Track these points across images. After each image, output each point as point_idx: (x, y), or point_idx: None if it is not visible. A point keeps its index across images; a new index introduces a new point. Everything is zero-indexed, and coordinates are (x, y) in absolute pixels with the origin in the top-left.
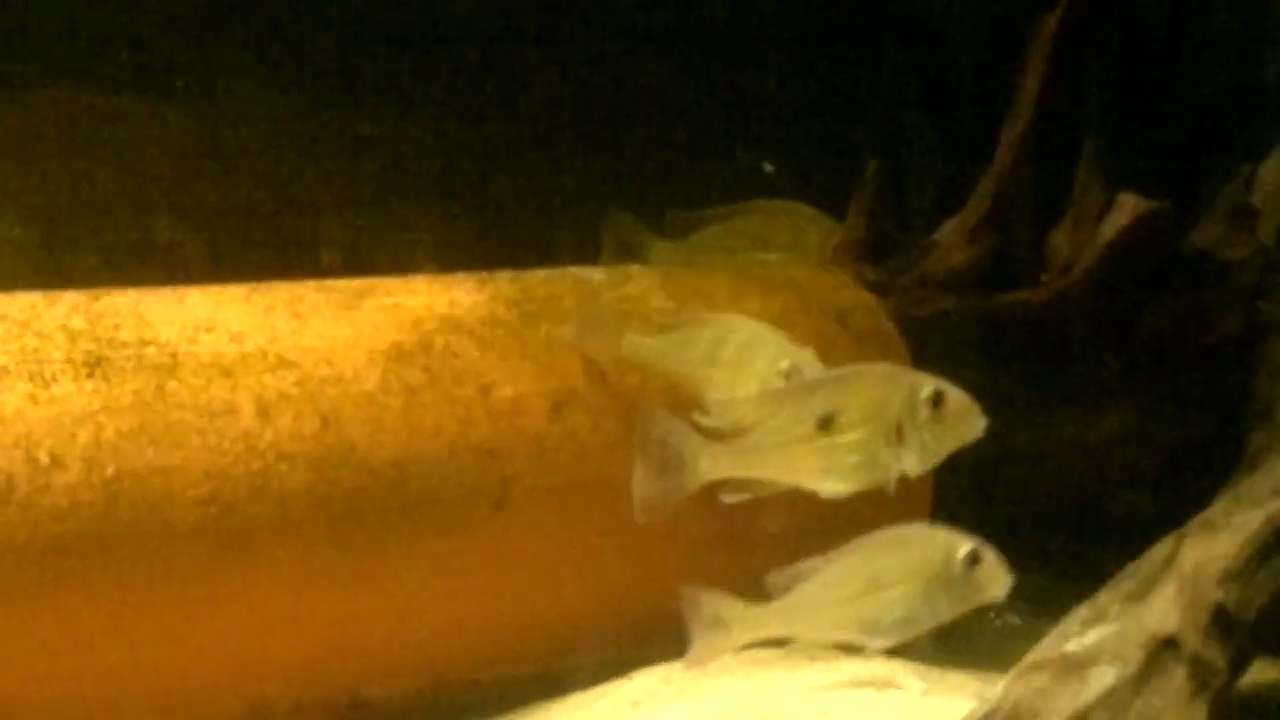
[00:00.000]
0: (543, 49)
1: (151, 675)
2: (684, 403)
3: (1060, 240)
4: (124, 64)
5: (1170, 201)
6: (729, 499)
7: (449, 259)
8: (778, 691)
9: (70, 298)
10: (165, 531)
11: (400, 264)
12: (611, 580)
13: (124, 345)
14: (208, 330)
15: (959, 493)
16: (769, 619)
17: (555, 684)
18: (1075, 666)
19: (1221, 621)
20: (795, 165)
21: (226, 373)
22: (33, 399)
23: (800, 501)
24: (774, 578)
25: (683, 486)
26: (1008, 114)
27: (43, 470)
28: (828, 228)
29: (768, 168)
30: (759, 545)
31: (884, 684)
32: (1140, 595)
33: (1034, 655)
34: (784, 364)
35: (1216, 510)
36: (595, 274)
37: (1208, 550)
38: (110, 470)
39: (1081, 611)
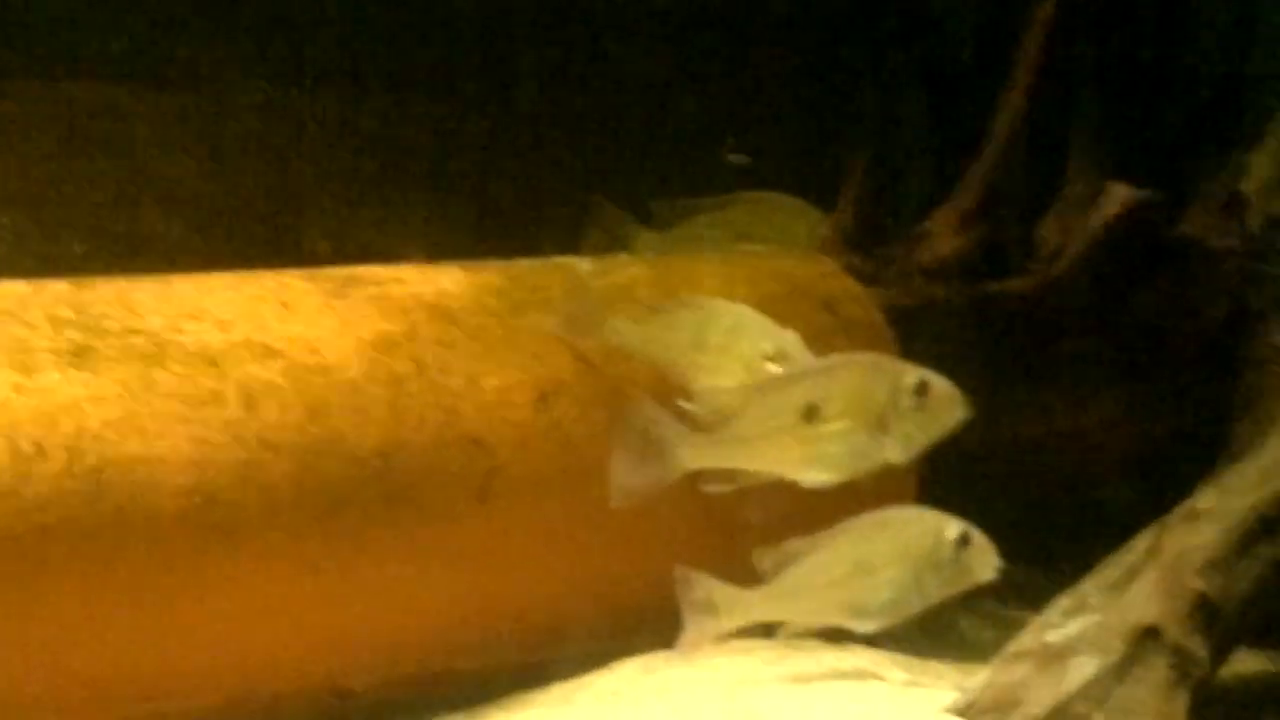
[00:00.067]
0: (532, 39)
1: (134, 664)
2: (670, 392)
3: (1050, 229)
4: (114, 53)
5: (1160, 191)
6: (711, 489)
7: (437, 248)
8: (759, 681)
9: (57, 287)
10: (149, 521)
11: (389, 253)
12: (596, 571)
13: (110, 334)
14: (195, 319)
15: (945, 482)
16: (759, 603)
17: (538, 674)
18: (1057, 656)
19: (1203, 611)
20: (785, 154)
21: (213, 362)
22: (17, 388)
23: (785, 492)
24: (761, 556)
25: (663, 476)
26: (1000, 102)
27: (25, 459)
28: (814, 219)
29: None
30: (745, 536)
31: (866, 675)
32: (1122, 585)
33: (1015, 645)
34: (767, 346)
35: (1199, 500)
36: (583, 263)
37: (1190, 540)
38: (94, 459)
39: (1063, 601)
